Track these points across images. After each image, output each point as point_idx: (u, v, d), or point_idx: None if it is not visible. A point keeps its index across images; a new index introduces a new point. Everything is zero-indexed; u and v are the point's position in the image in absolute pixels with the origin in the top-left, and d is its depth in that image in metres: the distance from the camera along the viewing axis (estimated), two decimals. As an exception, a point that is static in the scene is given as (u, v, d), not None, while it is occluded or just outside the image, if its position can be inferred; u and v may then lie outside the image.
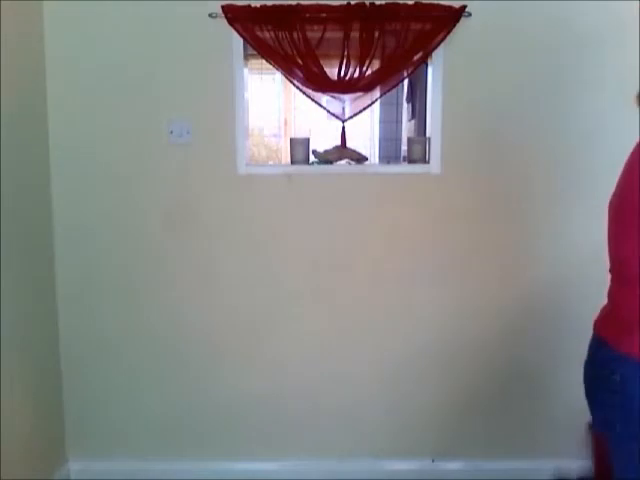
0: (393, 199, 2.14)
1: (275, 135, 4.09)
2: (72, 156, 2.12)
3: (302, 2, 1.99)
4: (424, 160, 2.15)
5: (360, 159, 2.19)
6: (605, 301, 1.25)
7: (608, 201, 1.20)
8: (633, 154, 1.17)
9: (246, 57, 2.11)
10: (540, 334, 2.19)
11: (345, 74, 2.04)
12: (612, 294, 1.23)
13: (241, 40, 2.05)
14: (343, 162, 2.19)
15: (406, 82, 2.89)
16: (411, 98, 2.94)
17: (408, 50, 2.03)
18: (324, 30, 2.00)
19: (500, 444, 2.24)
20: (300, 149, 2.17)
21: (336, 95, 2.12)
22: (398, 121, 3.55)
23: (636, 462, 1.14)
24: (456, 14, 2.00)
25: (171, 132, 2.10)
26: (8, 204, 1.85)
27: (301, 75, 2.05)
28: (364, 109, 2.16)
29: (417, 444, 2.25)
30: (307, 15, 1.99)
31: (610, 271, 1.23)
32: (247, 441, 2.26)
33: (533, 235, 2.14)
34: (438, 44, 2.03)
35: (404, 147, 2.89)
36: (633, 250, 1.11)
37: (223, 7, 2.01)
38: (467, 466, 2.24)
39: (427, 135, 2.17)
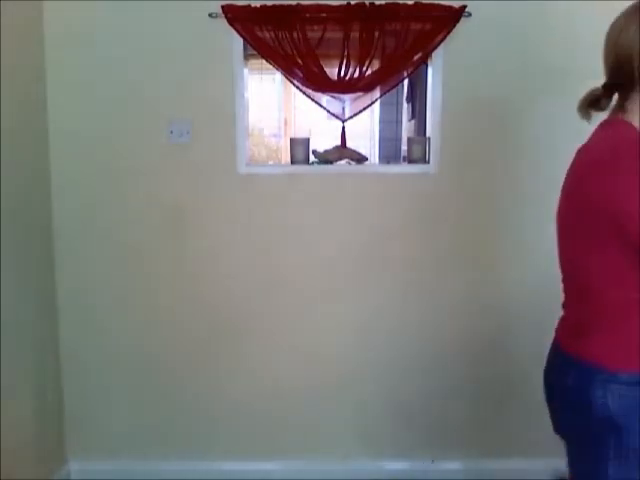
0: (393, 199, 2.14)
1: (275, 135, 4.08)
2: (72, 156, 2.12)
3: (302, 2, 1.99)
4: (424, 160, 2.15)
5: (360, 159, 2.19)
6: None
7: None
8: (582, 164, 1.13)
9: (246, 57, 2.11)
10: (540, 333, 2.19)
11: (345, 74, 2.04)
12: (567, 302, 1.23)
13: (241, 40, 2.05)
14: (343, 162, 2.19)
15: (406, 82, 2.89)
16: (411, 98, 2.93)
17: (408, 50, 2.03)
18: (324, 30, 2.00)
19: (500, 444, 2.24)
20: (300, 149, 2.17)
21: (336, 95, 2.12)
22: (398, 121, 3.54)
23: (596, 467, 1.11)
24: (456, 14, 2.00)
25: (171, 132, 2.10)
26: (8, 204, 1.85)
27: (301, 75, 2.05)
28: (364, 109, 2.16)
29: (417, 444, 2.26)
30: (307, 15, 1.99)
31: (563, 280, 1.23)
32: (247, 441, 2.26)
33: (533, 234, 2.14)
34: (438, 44, 2.03)
35: (404, 147, 2.88)
36: (590, 259, 1.10)
37: (223, 7, 2.01)
38: (467, 466, 2.24)
39: (427, 135, 2.17)
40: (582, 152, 1.15)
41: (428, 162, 2.14)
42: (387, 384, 2.23)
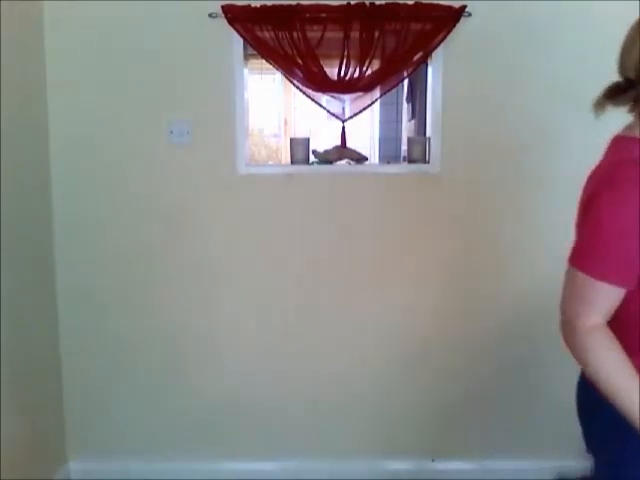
0: (393, 199, 2.14)
1: (275, 135, 4.08)
2: (72, 156, 2.12)
3: (302, 2, 1.99)
4: (424, 160, 2.15)
5: (360, 159, 2.19)
6: None
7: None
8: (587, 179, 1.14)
9: (246, 57, 2.11)
10: (539, 333, 2.19)
11: (345, 74, 2.04)
12: None
13: (241, 40, 2.05)
14: (343, 162, 2.19)
15: (406, 82, 2.89)
16: (411, 98, 2.93)
17: (408, 50, 2.03)
18: (324, 30, 2.00)
19: (500, 444, 2.24)
20: (300, 149, 2.17)
21: (336, 95, 2.12)
22: (398, 121, 3.53)
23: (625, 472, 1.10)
24: (456, 14, 2.00)
25: (171, 132, 2.10)
26: (8, 204, 1.85)
27: (301, 75, 2.05)
28: (364, 109, 2.16)
29: (417, 444, 2.25)
30: (307, 15, 1.99)
31: None
32: (247, 441, 2.26)
33: (532, 234, 2.14)
34: (438, 44, 2.03)
35: (404, 147, 2.88)
36: None
37: (223, 7, 2.01)
38: (467, 466, 2.24)
39: (427, 135, 2.17)
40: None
41: (428, 162, 2.14)
42: (386, 384, 2.23)
